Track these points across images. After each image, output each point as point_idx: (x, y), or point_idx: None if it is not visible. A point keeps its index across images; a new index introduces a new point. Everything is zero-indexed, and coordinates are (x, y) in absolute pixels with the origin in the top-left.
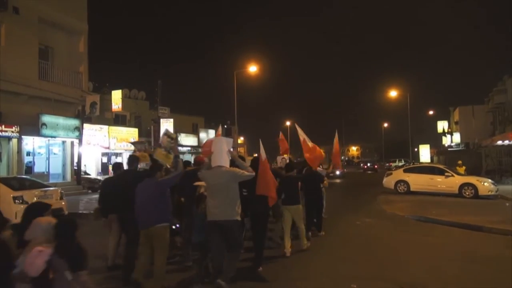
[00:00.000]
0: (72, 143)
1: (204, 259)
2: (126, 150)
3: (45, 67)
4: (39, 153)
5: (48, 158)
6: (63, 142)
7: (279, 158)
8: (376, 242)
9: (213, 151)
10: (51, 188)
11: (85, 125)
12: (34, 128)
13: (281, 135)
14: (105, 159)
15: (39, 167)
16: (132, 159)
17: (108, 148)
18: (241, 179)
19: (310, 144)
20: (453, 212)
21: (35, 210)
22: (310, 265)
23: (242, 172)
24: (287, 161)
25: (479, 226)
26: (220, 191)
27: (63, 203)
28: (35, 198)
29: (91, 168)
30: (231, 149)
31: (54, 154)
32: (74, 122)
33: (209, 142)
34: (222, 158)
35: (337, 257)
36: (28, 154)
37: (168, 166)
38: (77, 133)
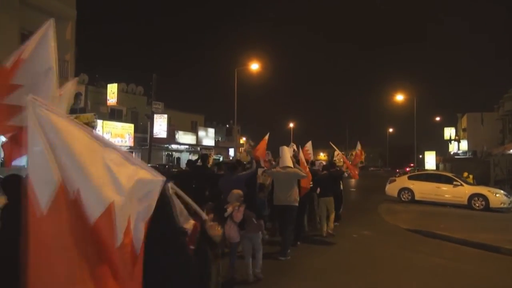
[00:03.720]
0: None
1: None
2: (120, 146)
3: None
4: None
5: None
6: None
7: (317, 163)
8: (373, 262)
9: (281, 156)
10: None
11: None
12: None
13: (307, 145)
14: None
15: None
16: (205, 157)
17: None
18: (300, 177)
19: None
20: (464, 227)
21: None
22: None
23: (302, 172)
24: (323, 164)
25: (496, 247)
26: (287, 185)
27: None
28: None
29: None
30: (292, 154)
31: None
32: None
33: (261, 148)
34: (288, 161)
35: (323, 282)
36: None
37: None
38: None
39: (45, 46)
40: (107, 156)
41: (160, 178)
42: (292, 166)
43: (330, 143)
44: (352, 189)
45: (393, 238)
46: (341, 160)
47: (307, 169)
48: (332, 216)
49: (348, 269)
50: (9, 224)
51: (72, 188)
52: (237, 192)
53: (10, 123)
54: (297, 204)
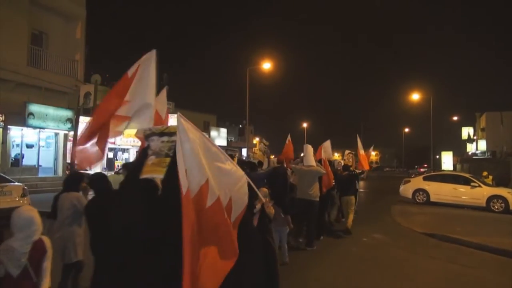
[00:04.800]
0: (65, 135)
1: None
2: (133, 146)
3: (37, 53)
4: (35, 145)
5: (39, 151)
6: (56, 134)
7: (336, 162)
8: (383, 267)
9: (305, 155)
10: (12, 184)
11: (89, 118)
12: (20, 117)
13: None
14: (110, 155)
15: (29, 160)
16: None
17: (114, 143)
18: (320, 175)
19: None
20: (482, 230)
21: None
22: None
23: (322, 170)
24: (343, 163)
25: None
26: (309, 181)
27: (25, 202)
28: None
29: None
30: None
31: (47, 146)
32: (66, 113)
33: (287, 149)
34: (311, 161)
35: (328, 285)
36: (28, 146)
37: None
38: (69, 125)
39: (147, 71)
40: (219, 157)
41: (242, 173)
42: (314, 164)
43: (357, 136)
44: (366, 190)
45: (406, 242)
46: (350, 160)
47: (329, 169)
48: (350, 215)
49: (355, 275)
50: (106, 211)
51: (201, 182)
52: (264, 190)
53: (118, 129)
54: (318, 200)
